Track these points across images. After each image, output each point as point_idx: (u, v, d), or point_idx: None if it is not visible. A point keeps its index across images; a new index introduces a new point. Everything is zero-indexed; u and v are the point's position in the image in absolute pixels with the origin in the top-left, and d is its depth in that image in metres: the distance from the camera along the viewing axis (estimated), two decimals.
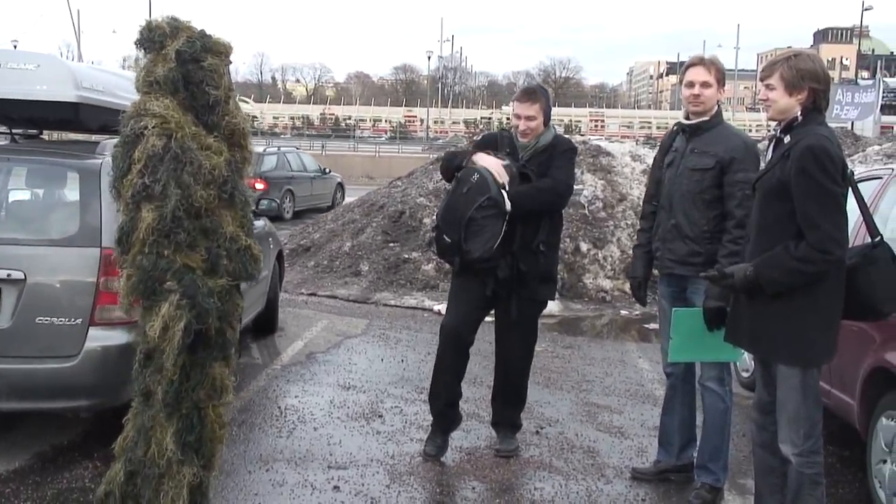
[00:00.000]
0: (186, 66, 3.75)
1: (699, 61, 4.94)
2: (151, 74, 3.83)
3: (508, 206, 5.09)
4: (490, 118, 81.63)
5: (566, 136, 6.33)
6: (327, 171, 26.44)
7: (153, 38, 3.86)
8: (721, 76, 4.89)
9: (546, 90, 5.54)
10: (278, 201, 7.19)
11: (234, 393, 4.08)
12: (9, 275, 4.95)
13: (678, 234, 4.88)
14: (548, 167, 5.32)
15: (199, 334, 3.67)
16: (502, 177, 5.13)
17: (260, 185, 20.22)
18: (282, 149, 25.04)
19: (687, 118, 4.94)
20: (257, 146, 33.44)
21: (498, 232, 5.12)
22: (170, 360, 3.64)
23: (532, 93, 5.41)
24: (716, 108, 4.92)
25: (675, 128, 5.14)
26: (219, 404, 3.86)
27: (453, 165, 5.38)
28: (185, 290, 3.58)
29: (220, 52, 3.81)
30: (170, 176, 3.57)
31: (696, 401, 5.24)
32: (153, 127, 3.61)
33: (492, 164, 5.17)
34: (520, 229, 5.22)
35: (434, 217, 6.50)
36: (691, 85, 4.87)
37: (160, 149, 3.58)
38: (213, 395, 3.84)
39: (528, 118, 5.33)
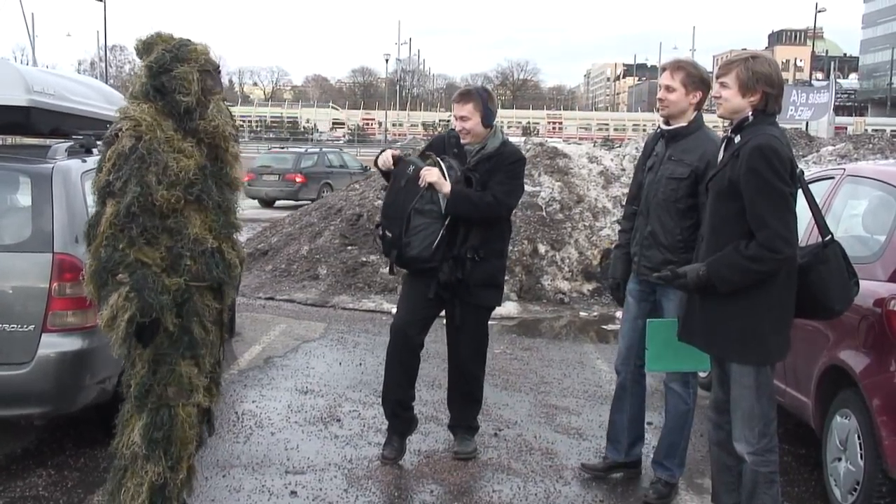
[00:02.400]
0: (159, 78, 3.84)
1: (667, 65, 5.00)
2: (133, 88, 3.99)
3: (443, 208, 5.15)
4: (448, 120, 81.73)
5: (521, 140, 6.36)
6: (369, 169, 27.19)
7: (138, 55, 4.00)
8: (691, 80, 4.81)
9: (485, 90, 5.53)
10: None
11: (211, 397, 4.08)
12: None
13: (654, 242, 4.89)
14: (494, 174, 5.31)
15: (152, 329, 3.72)
16: (428, 178, 5.17)
17: (299, 180, 25.71)
18: (323, 149, 30.67)
19: (666, 123, 4.96)
20: (297, 146, 34.81)
21: (436, 232, 5.15)
22: (115, 347, 3.76)
23: (466, 93, 5.44)
24: (691, 112, 4.88)
25: (658, 130, 5.15)
26: (188, 404, 3.85)
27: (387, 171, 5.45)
28: (133, 284, 3.66)
29: (191, 59, 3.83)
30: (132, 174, 3.67)
31: (646, 399, 5.30)
32: (126, 129, 3.74)
33: (428, 173, 5.21)
34: (448, 235, 5.23)
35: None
36: (660, 89, 4.92)
37: (127, 149, 3.70)
38: (183, 393, 3.84)
39: (462, 118, 5.35)
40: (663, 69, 4.98)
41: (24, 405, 4.97)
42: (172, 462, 3.85)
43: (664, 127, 4.98)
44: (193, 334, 3.86)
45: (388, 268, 5.87)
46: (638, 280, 5.07)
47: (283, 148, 34.74)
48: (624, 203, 5.27)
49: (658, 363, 4.75)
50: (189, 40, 3.92)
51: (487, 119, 5.36)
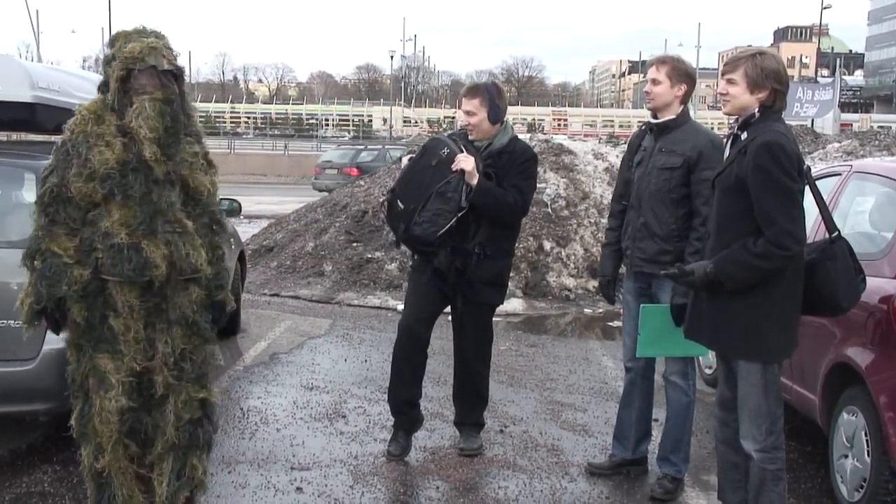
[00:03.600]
0: (105, 71, 3.92)
1: (653, 60, 5.05)
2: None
3: (465, 203, 5.11)
4: (454, 117, 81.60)
5: (526, 137, 6.33)
6: None
7: (109, 46, 4.03)
8: (675, 73, 4.89)
9: (495, 87, 5.49)
10: (239, 202, 7.48)
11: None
12: None
13: (647, 233, 4.91)
14: (507, 174, 5.28)
15: (57, 317, 3.87)
16: (464, 165, 5.13)
17: (354, 173, 26.41)
18: (386, 146, 32.19)
19: (654, 117, 4.98)
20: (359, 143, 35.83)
21: (447, 221, 5.13)
22: (23, 329, 3.95)
23: (474, 88, 5.42)
24: (678, 106, 4.93)
25: (643, 127, 5.18)
26: (106, 398, 3.85)
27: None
28: (39, 271, 3.81)
29: (122, 56, 3.82)
30: (57, 166, 3.83)
31: (654, 396, 5.29)
32: (69, 123, 3.90)
33: (466, 160, 5.17)
34: (455, 227, 5.20)
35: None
36: (647, 83, 4.96)
37: (60, 142, 3.88)
38: (101, 385, 3.86)
39: (468, 113, 5.32)
40: (650, 64, 5.02)
41: (29, 401, 4.98)
42: (97, 452, 3.90)
43: (652, 121, 5.01)
44: (108, 328, 3.85)
45: (395, 265, 5.82)
46: (634, 276, 5.09)
47: (341, 145, 38.10)
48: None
49: (650, 348, 4.82)
50: (137, 35, 3.87)
51: (494, 115, 5.32)
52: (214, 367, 4.17)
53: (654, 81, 4.91)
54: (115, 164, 3.77)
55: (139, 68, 3.78)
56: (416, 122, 72.94)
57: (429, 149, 5.35)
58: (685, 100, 4.98)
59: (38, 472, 5.03)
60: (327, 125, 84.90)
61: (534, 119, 75.14)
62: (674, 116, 4.92)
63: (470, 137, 5.37)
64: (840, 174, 5.82)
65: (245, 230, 14.82)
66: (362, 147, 32.75)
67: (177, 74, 3.89)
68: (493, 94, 5.34)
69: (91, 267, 3.80)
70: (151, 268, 3.78)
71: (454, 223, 5.15)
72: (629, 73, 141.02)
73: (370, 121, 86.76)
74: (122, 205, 3.80)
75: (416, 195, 5.20)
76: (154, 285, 3.83)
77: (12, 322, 4.87)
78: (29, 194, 5.45)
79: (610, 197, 12.64)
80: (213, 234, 4.06)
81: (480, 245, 5.23)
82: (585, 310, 10.95)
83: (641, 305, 4.83)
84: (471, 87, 5.45)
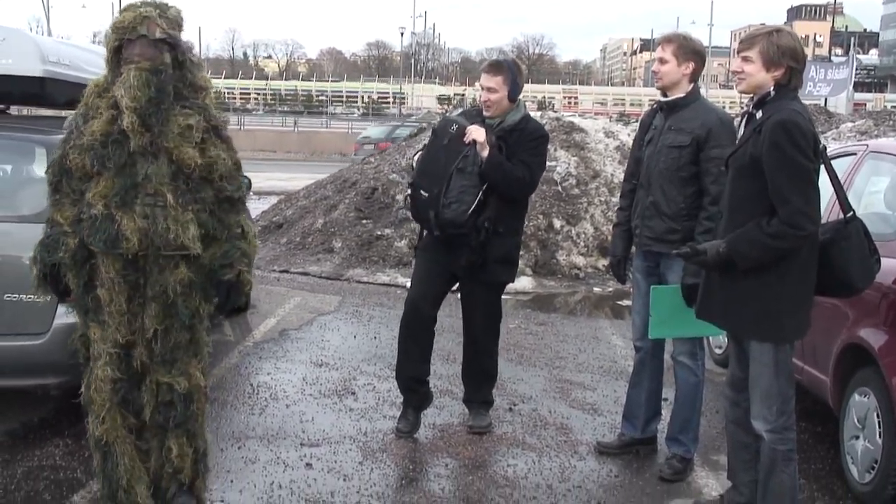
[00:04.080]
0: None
1: (660, 39, 5.04)
2: None
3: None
4: (464, 94, 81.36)
5: (537, 115, 6.29)
6: None
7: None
8: (682, 51, 4.86)
9: (516, 65, 5.44)
10: (249, 179, 7.43)
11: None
12: None
13: (656, 212, 4.88)
14: (516, 151, 5.25)
15: (53, 282, 3.93)
16: (476, 136, 5.11)
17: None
18: (432, 123, 29.80)
19: (664, 96, 4.96)
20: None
21: (473, 196, 5.11)
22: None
23: (497, 65, 5.37)
24: (687, 84, 4.91)
25: (654, 105, 5.16)
26: (96, 366, 3.87)
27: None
28: (41, 239, 3.90)
29: (114, 25, 3.81)
30: (65, 141, 3.86)
31: (664, 375, 5.28)
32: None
33: (477, 131, 5.14)
34: (484, 200, 5.17)
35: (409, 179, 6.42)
36: (655, 62, 4.96)
37: (71, 118, 3.92)
38: (93, 355, 3.89)
39: (489, 90, 5.28)
40: (658, 43, 5.00)
41: (40, 375, 5.00)
42: (95, 419, 3.91)
43: (662, 99, 4.99)
44: (94, 298, 3.86)
45: (404, 241, 5.81)
46: (643, 255, 5.07)
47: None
48: None
49: (661, 329, 4.80)
50: (134, 6, 3.82)
51: (514, 93, 5.30)
52: (199, 354, 3.98)
53: (662, 60, 4.89)
54: (100, 135, 3.76)
55: (129, 38, 3.74)
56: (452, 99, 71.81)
57: (438, 131, 5.34)
58: (694, 77, 4.94)
59: (50, 446, 5.05)
60: (353, 101, 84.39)
61: (544, 97, 74.78)
62: (683, 94, 4.89)
63: (486, 114, 5.34)
64: (855, 154, 5.79)
65: (255, 206, 14.80)
66: (399, 123, 33.57)
67: (172, 44, 3.80)
68: (514, 73, 5.31)
69: (79, 236, 3.81)
70: (122, 240, 3.74)
71: (482, 197, 5.13)
72: (640, 51, 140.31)
73: (381, 98, 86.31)
74: (105, 176, 3.78)
75: (437, 179, 5.18)
76: (135, 259, 3.78)
77: (24, 296, 4.88)
78: (40, 169, 5.44)
79: (621, 175, 12.68)
80: (224, 210, 3.92)
81: (490, 221, 5.20)
82: (595, 288, 10.94)
83: (652, 287, 4.81)
84: (493, 64, 5.40)
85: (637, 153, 5.17)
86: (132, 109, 3.69)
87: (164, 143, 3.76)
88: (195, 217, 3.82)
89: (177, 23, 3.87)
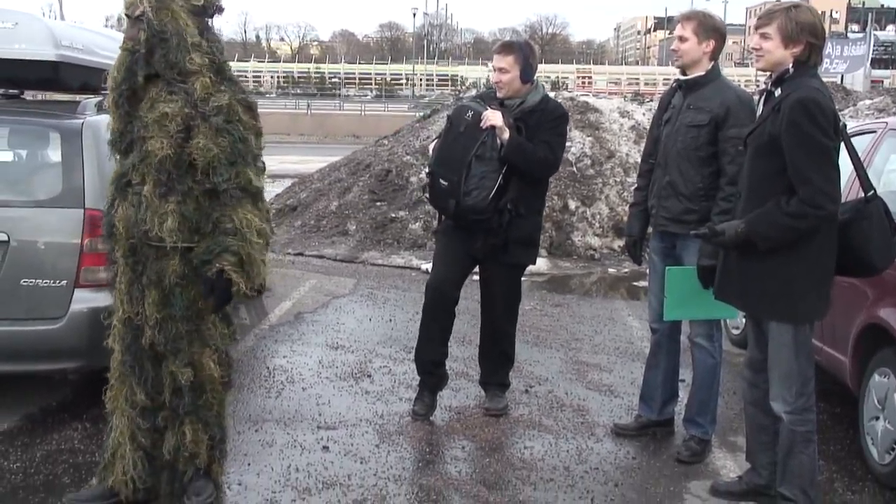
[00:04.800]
0: None
1: (679, 17, 4.98)
2: None
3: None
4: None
5: (555, 96, 6.24)
6: None
7: None
8: (702, 29, 4.79)
9: (528, 45, 5.40)
10: (263, 162, 7.43)
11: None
12: None
13: (673, 192, 4.84)
14: (537, 131, 5.22)
15: None
16: (493, 121, 5.08)
17: None
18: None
19: (684, 74, 4.91)
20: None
21: (493, 184, 5.08)
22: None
23: (508, 45, 5.33)
24: (707, 62, 4.84)
25: (673, 84, 5.11)
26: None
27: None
28: None
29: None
30: None
31: (680, 357, 5.26)
32: None
33: (493, 115, 5.12)
34: (504, 184, 5.14)
35: (426, 166, 6.36)
36: (675, 40, 4.90)
37: None
38: None
39: (500, 70, 5.25)
40: (677, 21, 4.94)
41: (58, 360, 5.02)
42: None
43: (681, 77, 4.94)
44: (114, 271, 4.02)
45: (419, 224, 5.78)
46: (659, 236, 5.03)
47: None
48: None
49: (677, 311, 4.75)
50: None
51: (526, 74, 5.25)
52: (210, 345, 3.97)
53: (681, 38, 4.83)
54: (117, 122, 3.88)
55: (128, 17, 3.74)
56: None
57: (454, 118, 5.29)
58: (715, 55, 4.87)
59: (69, 430, 5.06)
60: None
61: (558, 77, 74.50)
62: (703, 73, 4.83)
63: (499, 95, 5.30)
64: (875, 131, 5.73)
65: (269, 189, 14.73)
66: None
67: (148, 21, 3.64)
68: (526, 53, 5.26)
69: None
70: (111, 228, 3.82)
71: (502, 181, 5.10)
72: (654, 30, 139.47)
73: (394, 80, 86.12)
74: (117, 161, 3.92)
75: (456, 167, 5.13)
76: (134, 246, 3.83)
77: (41, 281, 4.89)
78: (55, 154, 5.45)
79: (636, 156, 12.62)
80: (211, 203, 3.74)
81: (513, 202, 5.17)
82: (610, 269, 10.90)
83: (667, 268, 4.75)
84: (505, 44, 5.37)
85: (655, 132, 5.12)
86: (110, 91, 3.77)
87: (142, 131, 3.70)
88: (176, 209, 3.70)
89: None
